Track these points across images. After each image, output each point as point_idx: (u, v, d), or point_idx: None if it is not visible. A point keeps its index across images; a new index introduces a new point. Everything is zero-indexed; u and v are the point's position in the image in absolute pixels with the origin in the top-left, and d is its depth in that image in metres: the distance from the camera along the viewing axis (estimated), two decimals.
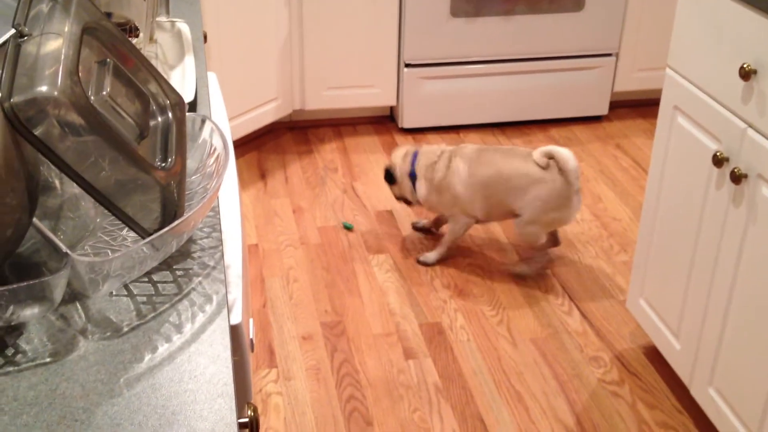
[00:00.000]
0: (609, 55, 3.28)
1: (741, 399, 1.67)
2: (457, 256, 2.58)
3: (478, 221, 2.50)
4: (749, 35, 1.56)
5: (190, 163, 0.87)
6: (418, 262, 2.53)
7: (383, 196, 2.90)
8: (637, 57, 3.32)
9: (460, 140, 3.27)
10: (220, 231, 0.80)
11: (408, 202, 2.62)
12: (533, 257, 2.50)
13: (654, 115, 3.46)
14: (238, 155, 3.17)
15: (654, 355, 2.17)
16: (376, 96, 3.26)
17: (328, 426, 1.96)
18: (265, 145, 3.25)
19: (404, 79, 3.21)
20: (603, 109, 3.38)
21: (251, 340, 0.85)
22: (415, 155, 2.51)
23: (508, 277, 2.49)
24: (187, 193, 0.84)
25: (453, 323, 2.30)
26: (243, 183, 2.99)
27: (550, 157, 2.33)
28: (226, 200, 0.94)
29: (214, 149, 0.85)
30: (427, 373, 2.12)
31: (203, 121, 0.89)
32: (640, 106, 3.53)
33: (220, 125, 1.12)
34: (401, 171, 2.54)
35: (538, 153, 2.35)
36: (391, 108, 3.41)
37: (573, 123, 3.41)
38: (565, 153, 2.31)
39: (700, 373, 1.81)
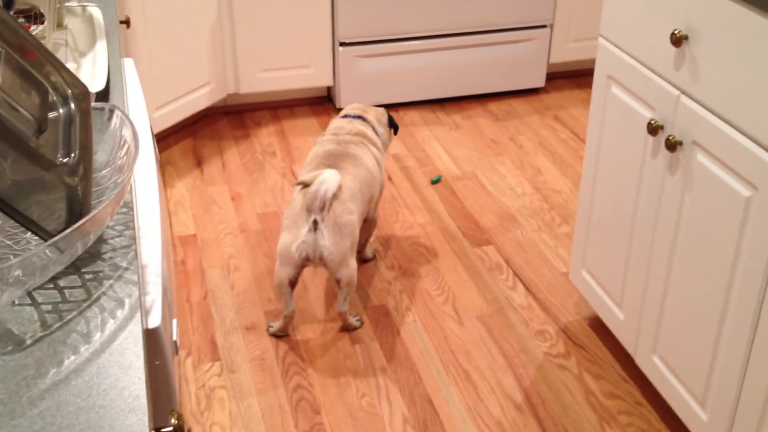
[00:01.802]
0: (543, 26, 3.27)
1: (684, 366, 1.68)
2: (401, 237, 2.56)
3: None
4: (679, 1, 1.55)
5: (100, 157, 0.82)
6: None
7: None
8: (572, 27, 3.32)
9: (399, 118, 3.23)
10: (135, 228, 0.74)
11: None
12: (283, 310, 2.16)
13: (590, 85, 3.47)
14: (172, 143, 3.08)
15: (599, 326, 2.17)
16: (312, 77, 3.20)
17: (274, 417, 1.92)
18: (201, 132, 3.17)
19: (340, 59, 3.15)
20: (540, 81, 3.38)
21: (175, 342, 0.80)
22: (357, 116, 2.37)
23: (452, 254, 2.47)
24: (97, 189, 0.79)
25: (399, 305, 2.27)
26: (178, 171, 2.91)
27: (312, 180, 2.00)
28: (144, 194, 0.88)
29: (124, 141, 0.79)
30: (374, 357, 2.09)
31: (112, 111, 0.83)
32: (576, 77, 3.53)
33: (135, 114, 1.06)
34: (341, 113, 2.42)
35: (308, 174, 2.05)
36: (329, 88, 3.35)
37: (511, 96, 3.40)
38: (323, 174, 1.99)
39: (644, 342, 1.82)
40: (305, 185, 2.01)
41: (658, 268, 1.73)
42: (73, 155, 0.71)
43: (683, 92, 1.58)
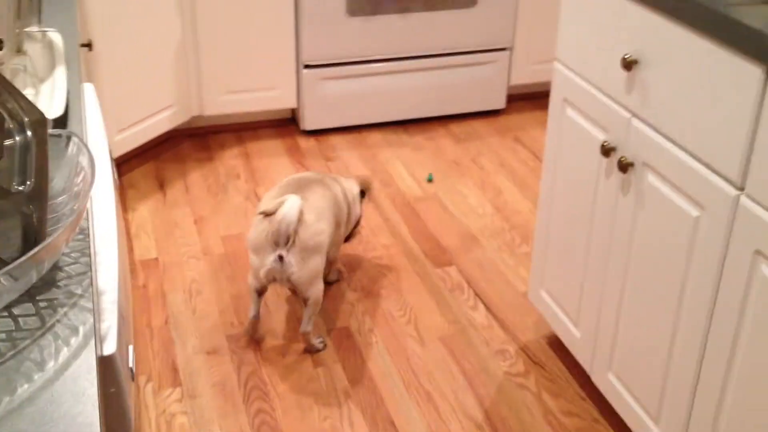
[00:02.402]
0: (504, 49, 3.33)
1: (638, 382, 1.72)
2: (364, 259, 2.57)
3: None
4: (630, 27, 1.60)
5: (56, 184, 0.82)
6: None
7: None
8: (531, 51, 3.38)
9: (363, 140, 3.26)
10: (90, 255, 0.75)
11: None
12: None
13: None
14: (134, 166, 3.08)
15: (557, 345, 2.21)
16: (276, 99, 3.22)
17: None
18: (164, 154, 3.16)
19: (304, 81, 3.17)
20: (501, 103, 3.43)
21: (131, 369, 0.80)
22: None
23: (415, 275, 2.50)
24: (52, 216, 0.79)
25: (361, 326, 2.29)
26: (141, 194, 2.90)
27: (275, 209, 2.02)
28: (102, 221, 0.89)
29: (81, 168, 0.80)
30: (337, 379, 2.10)
31: (69, 138, 0.84)
32: (536, 99, 3.60)
33: (94, 140, 1.07)
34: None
35: (272, 203, 2.06)
36: (293, 110, 3.38)
37: (473, 118, 3.45)
38: (285, 205, 1.99)
39: (600, 360, 1.85)
40: (267, 214, 2.02)
41: (612, 286, 1.77)
42: (28, 183, 0.72)
43: (634, 115, 1.63)
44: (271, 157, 3.14)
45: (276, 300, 2.37)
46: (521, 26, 3.31)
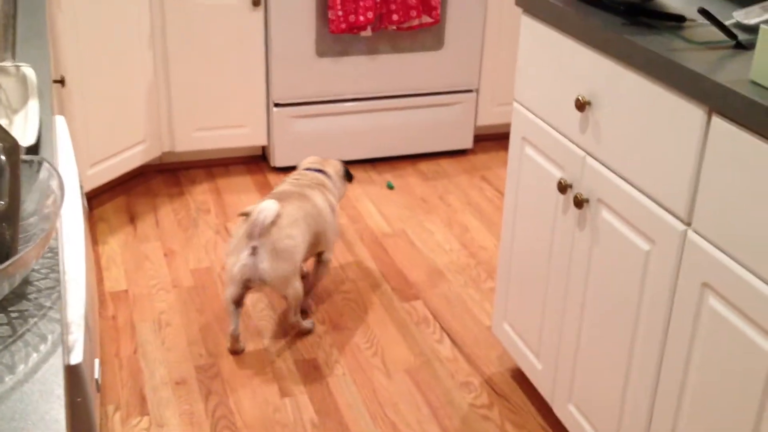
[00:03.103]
0: (470, 91, 3.43)
1: (597, 413, 1.77)
2: (333, 292, 2.61)
3: None
4: (582, 69, 1.68)
5: (28, 206, 0.87)
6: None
7: None
8: (496, 92, 3.48)
9: None
10: (59, 272, 0.80)
11: None
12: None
13: None
14: (106, 200, 3.10)
15: (520, 377, 2.25)
16: (246, 136, 3.28)
17: None
18: (135, 189, 3.20)
19: (274, 119, 3.24)
20: (468, 143, 3.52)
21: (97, 381, 0.84)
22: (312, 169, 2.57)
23: (382, 309, 2.54)
24: (23, 235, 0.84)
25: (328, 358, 2.32)
26: (111, 228, 2.93)
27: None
28: (70, 242, 0.93)
29: (51, 191, 0.85)
30: (303, 409, 2.13)
31: (40, 164, 0.89)
32: (501, 139, 3.69)
33: (64, 168, 1.11)
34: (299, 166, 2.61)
35: (250, 206, 2.25)
36: (263, 147, 3.43)
37: (441, 157, 3.53)
38: (260, 205, 2.17)
39: (560, 391, 1.90)
40: (247, 215, 2.20)
41: (570, 319, 1.83)
42: (1, 203, 0.76)
43: (588, 153, 1.70)
44: (241, 193, 3.19)
45: (244, 332, 2.40)
46: (487, 69, 3.42)
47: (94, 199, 3.09)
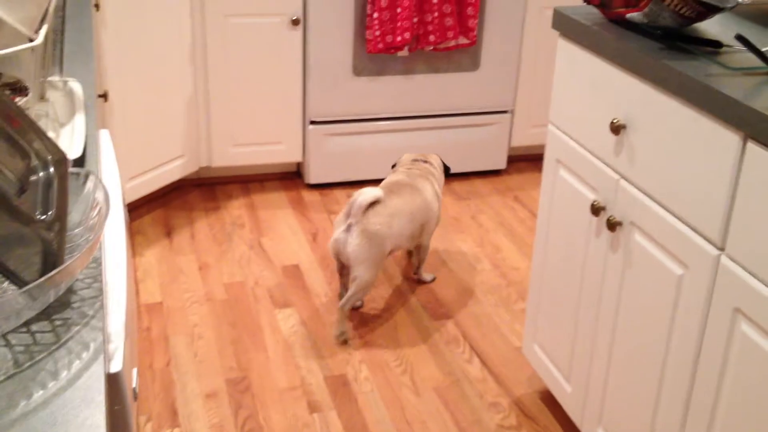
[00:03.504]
0: (505, 112, 3.44)
1: None
2: (364, 309, 2.63)
3: None
4: (618, 92, 1.69)
5: (74, 217, 0.90)
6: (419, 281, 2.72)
7: (290, 251, 2.93)
8: (531, 114, 3.49)
9: None
10: (102, 282, 0.82)
11: None
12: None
13: None
14: (143, 213, 3.16)
15: (549, 399, 2.25)
16: (282, 153, 3.32)
17: None
18: (172, 202, 3.25)
19: (309, 136, 3.28)
20: (501, 164, 3.53)
21: (134, 390, 0.86)
22: (417, 160, 2.75)
23: (412, 327, 2.55)
24: (69, 245, 0.87)
25: (357, 375, 2.33)
26: (148, 241, 2.98)
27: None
28: (112, 253, 0.96)
29: (97, 203, 0.88)
30: (332, 425, 2.14)
31: (87, 176, 0.92)
32: (535, 160, 3.69)
33: (108, 180, 1.15)
34: (402, 161, 2.78)
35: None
36: (298, 164, 3.47)
37: (474, 177, 3.54)
38: (363, 190, 2.38)
39: (590, 414, 1.89)
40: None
41: (602, 342, 1.82)
42: (50, 213, 0.79)
43: (622, 176, 1.71)
44: (276, 209, 3.22)
45: (275, 347, 2.42)
46: (522, 90, 3.43)
47: (133, 211, 3.15)
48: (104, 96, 2.25)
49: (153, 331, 2.49)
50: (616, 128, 1.67)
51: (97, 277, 0.83)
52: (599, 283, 1.82)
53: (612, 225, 1.71)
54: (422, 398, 2.25)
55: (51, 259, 0.77)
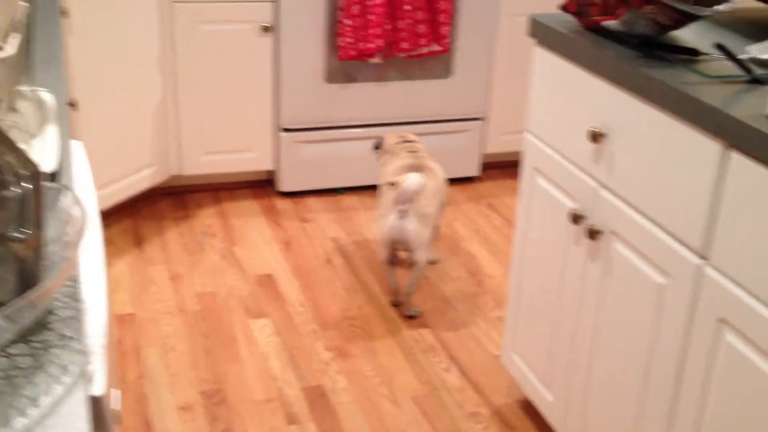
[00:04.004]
0: (478, 119, 3.44)
1: None
2: (339, 319, 2.60)
3: None
4: (596, 100, 1.68)
5: (49, 233, 0.86)
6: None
7: (263, 261, 2.89)
8: (504, 121, 3.49)
9: (338, 203, 3.32)
10: (80, 300, 0.79)
11: None
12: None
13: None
14: (113, 222, 3.10)
15: (530, 408, 2.23)
16: (254, 160, 3.28)
17: None
18: (142, 212, 3.20)
19: (282, 144, 3.24)
20: (475, 171, 3.52)
21: (117, 412, 0.83)
22: (405, 141, 2.81)
23: (389, 336, 2.52)
24: (46, 262, 0.83)
25: (335, 385, 2.30)
26: (118, 251, 2.92)
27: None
28: (90, 270, 0.93)
29: (73, 219, 0.84)
30: None
31: (61, 191, 0.88)
32: (508, 167, 3.69)
33: (83, 193, 1.11)
34: (386, 144, 2.84)
35: (398, 177, 2.51)
36: (270, 172, 3.43)
37: (448, 184, 3.53)
38: (408, 176, 2.43)
39: (572, 424, 1.88)
40: (394, 184, 2.47)
41: (582, 351, 1.81)
42: (25, 231, 0.76)
43: (602, 185, 1.70)
44: (248, 217, 3.18)
45: (250, 357, 2.38)
46: (495, 97, 3.43)
47: (102, 220, 3.09)
48: (73, 104, 2.20)
49: (125, 343, 2.44)
50: (595, 137, 1.67)
51: (74, 296, 0.80)
52: (579, 291, 1.81)
53: (592, 233, 1.70)
54: (401, 408, 2.23)
55: (27, 279, 0.74)
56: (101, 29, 2.72)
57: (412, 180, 2.42)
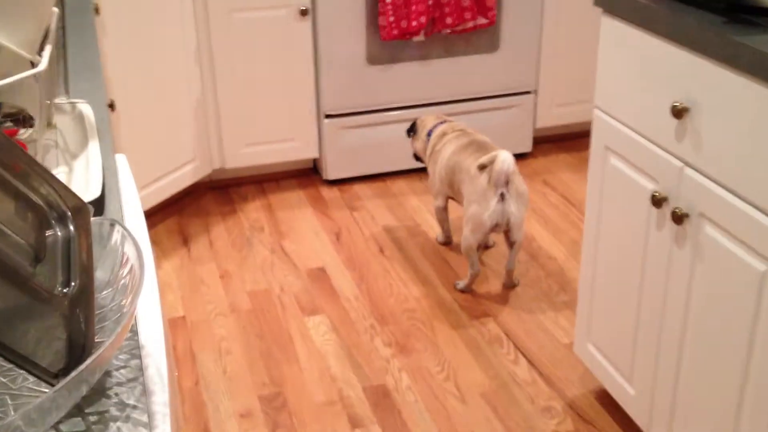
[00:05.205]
0: (528, 92, 3.28)
1: None
2: (396, 312, 2.49)
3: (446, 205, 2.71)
4: (678, 72, 1.53)
5: (100, 275, 0.76)
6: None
7: (314, 254, 2.79)
8: (555, 93, 3.32)
9: (387, 188, 3.20)
10: (140, 357, 0.68)
11: (420, 160, 2.81)
12: (468, 270, 2.54)
13: (577, 148, 3.47)
14: (157, 221, 3.02)
15: (607, 400, 2.11)
16: (297, 149, 3.17)
17: None
18: (186, 209, 3.11)
19: (325, 131, 3.13)
20: (527, 146, 3.37)
21: None
22: (443, 122, 2.72)
23: (450, 328, 2.41)
24: (98, 312, 0.72)
25: (398, 384, 2.20)
26: (164, 251, 2.84)
27: (491, 161, 2.37)
28: (146, 313, 0.82)
29: (127, 259, 0.74)
30: None
31: (112, 225, 0.78)
32: (562, 141, 3.53)
33: (132, 218, 1.00)
34: (423, 126, 2.76)
35: (484, 157, 2.41)
36: (315, 160, 3.32)
37: None
38: (500, 155, 2.33)
39: (659, 420, 1.75)
40: (484, 167, 2.38)
41: (669, 342, 1.68)
42: (73, 283, 0.65)
43: (687, 164, 1.55)
44: (295, 209, 3.08)
45: (307, 357, 2.29)
46: (545, 69, 3.26)
47: (146, 221, 3.01)
48: (111, 106, 2.11)
49: (178, 348, 2.36)
50: (679, 112, 1.52)
51: (133, 352, 0.69)
52: (663, 279, 1.67)
53: (678, 217, 1.56)
54: (469, 406, 2.12)
55: (79, 340, 0.63)
56: (133, 25, 2.62)
57: (507, 158, 2.32)
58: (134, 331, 0.72)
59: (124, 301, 0.71)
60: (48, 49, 0.97)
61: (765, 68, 1.31)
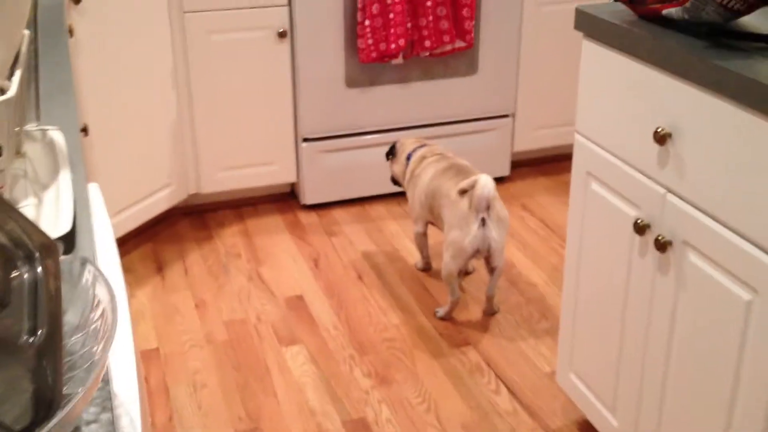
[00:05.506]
0: (506, 116, 3.27)
1: None
2: (376, 341, 2.45)
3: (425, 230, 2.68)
4: (660, 97, 1.52)
5: (70, 318, 0.71)
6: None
7: (292, 281, 2.74)
8: (533, 116, 3.32)
9: (366, 213, 3.16)
10: (112, 409, 0.64)
11: (398, 183, 2.79)
12: (448, 297, 2.51)
13: (555, 172, 3.47)
14: (131, 248, 2.96)
15: (590, 431, 2.08)
16: (275, 173, 3.13)
17: None
18: (161, 234, 3.05)
19: (303, 154, 3.09)
20: (505, 170, 3.36)
21: None
22: (423, 145, 2.70)
23: (431, 357, 2.37)
24: (68, 360, 0.68)
25: (378, 417, 2.15)
26: (138, 279, 2.78)
27: (471, 186, 2.34)
28: (118, 358, 0.78)
29: (99, 302, 0.69)
30: None
31: (83, 265, 0.73)
32: (540, 164, 3.53)
33: (104, 252, 0.96)
34: (402, 150, 2.73)
35: (464, 181, 2.38)
36: (292, 185, 3.29)
37: None
38: (481, 180, 2.31)
39: None
40: (465, 191, 2.35)
41: (653, 372, 1.65)
42: (40, 331, 0.61)
43: (670, 190, 1.54)
44: (272, 234, 3.04)
45: (285, 390, 2.24)
46: (523, 93, 3.26)
47: (120, 247, 2.95)
48: (84, 130, 2.06)
49: (151, 382, 2.30)
50: (661, 138, 1.50)
51: (105, 404, 0.65)
52: (647, 308, 1.65)
53: (661, 245, 1.54)
54: None
55: (45, 396, 0.59)
56: (108, 47, 2.58)
57: (488, 183, 2.29)
58: (106, 380, 0.67)
59: (95, 348, 0.67)
60: (18, 74, 0.92)
61: (748, 93, 1.30)
